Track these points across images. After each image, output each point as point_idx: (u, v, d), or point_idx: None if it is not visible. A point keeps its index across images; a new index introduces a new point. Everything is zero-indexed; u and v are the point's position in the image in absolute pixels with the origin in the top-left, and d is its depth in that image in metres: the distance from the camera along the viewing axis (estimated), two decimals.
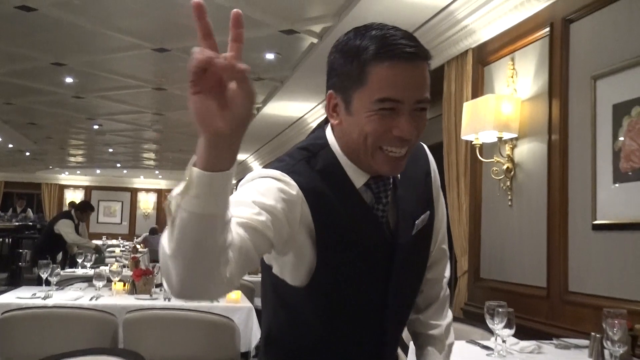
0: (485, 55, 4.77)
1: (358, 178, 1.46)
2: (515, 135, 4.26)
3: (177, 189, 1.07)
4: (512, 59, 4.40)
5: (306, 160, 1.45)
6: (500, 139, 4.27)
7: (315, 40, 6.18)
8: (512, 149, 4.33)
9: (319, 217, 1.39)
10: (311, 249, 1.40)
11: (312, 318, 1.49)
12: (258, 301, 6.76)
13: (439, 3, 4.87)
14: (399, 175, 1.51)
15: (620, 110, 3.35)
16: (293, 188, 1.36)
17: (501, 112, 4.19)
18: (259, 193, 1.30)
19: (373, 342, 1.53)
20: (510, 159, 4.31)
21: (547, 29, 4.01)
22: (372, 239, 1.47)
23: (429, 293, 1.74)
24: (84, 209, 9.80)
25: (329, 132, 1.50)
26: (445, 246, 1.75)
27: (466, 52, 4.95)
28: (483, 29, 4.69)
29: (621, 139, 3.32)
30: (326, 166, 1.45)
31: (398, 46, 1.33)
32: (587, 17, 3.72)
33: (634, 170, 3.22)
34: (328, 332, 1.49)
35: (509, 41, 4.46)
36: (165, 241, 1.10)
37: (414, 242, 1.54)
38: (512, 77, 4.38)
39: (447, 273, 1.78)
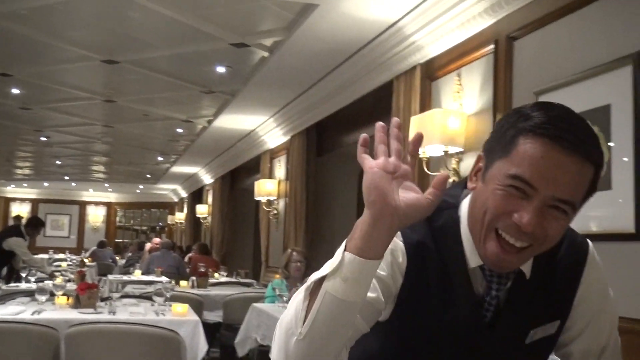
0: (432, 71, 4.85)
1: (472, 256, 1.28)
2: (461, 149, 4.33)
3: (322, 272, 1.08)
4: (459, 75, 4.49)
5: (428, 218, 1.26)
6: (446, 152, 4.34)
7: (266, 54, 6.20)
8: (458, 162, 4.40)
9: (409, 280, 1.28)
10: (388, 307, 1.29)
11: None
12: (206, 314, 6.77)
13: (388, 19, 4.93)
14: (529, 271, 1.31)
15: None
16: (399, 249, 1.27)
17: (447, 126, 4.25)
18: None
19: None
20: (456, 173, 4.38)
21: (492, 46, 4.11)
22: (459, 327, 1.29)
23: None
24: (36, 225, 9.56)
25: (465, 195, 1.34)
26: None
27: (414, 67, 5.02)
28: (431, 45, 4.77)
29: None
30: (443, 227, 1.30)
31: (563, 130, 1.14)
32: (530, 35, 3.81)
33: None
34: None
35: (455, 57, 4.55)
36: (292, 321, 1.11)
37: (524, 349, 1.34)
38: (458, 92, 4.47)
39: None
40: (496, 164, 1.20)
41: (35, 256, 9.26)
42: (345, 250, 1.07)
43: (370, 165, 1.06)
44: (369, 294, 1.17)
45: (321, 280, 1.07)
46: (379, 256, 1.06)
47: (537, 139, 1.14)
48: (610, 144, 3.10)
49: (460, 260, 1.29)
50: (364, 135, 1.09)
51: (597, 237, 3.11)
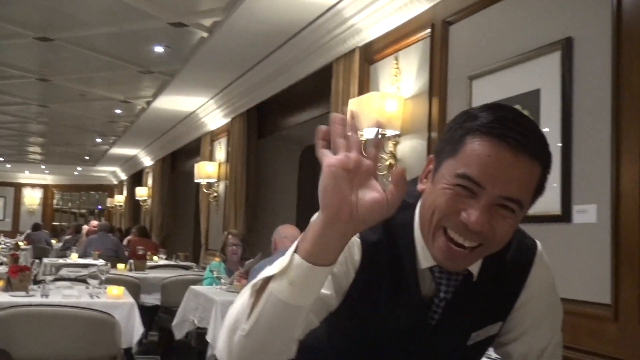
0: (371, 54, 4.88)
1: (424, 258, 1.27)
2: (398, 132, 4.38)
3: (271, 270, 1.05)
4: (397, 58, 4.53)
5: (398, 225, 1.29)
6: (383, 135, 4.38)
7: (205, 35, 6.13)
8: (395, 145, 4.45)
9: (361, 276, 1.27)
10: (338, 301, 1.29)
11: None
12: (144, 297, 6.70)
13: (327, 1, 4.93)
14: (476, 273, 1.30)
15: None
16: (356, 245, 1.27)
17: (384, 109, 4.29)
18: None
19: None
20: (393, 155, 4.43)
21: (429, 30, 4.15)
22: (404, 327, 1.30)
23: None
24: None
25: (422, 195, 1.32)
26: None
27: (353, 50, 5.04)
28: (369, 28, 4.79)
29: None
30: (399, 226, 1.29)
31: (509, 128, 1.14)
32: (465, 20, 3.87)
33: None
34: None
35: (393, 41, 4.58)
36: (237, 316, 1.10)
37: (462, 352, 1.37)
38: (395, 75, 4.51)
39: None
40: (444, 164, 1.20)
41: None
42: (295, 251, 1.03)
43: (329, 162, 0.96)
44: (323, 291, 1.17)
45: (269, 279, 1.05)
46: (330, 262, 1.02)
47: (484, 137, 1.15)
48: (543, 123, 3.17)
49: (412, 261, 1.28)
50: (322, 128, 0.99)
51: (527, 219, 3.21)
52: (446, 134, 1.23)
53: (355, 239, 1.26)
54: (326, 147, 0.98)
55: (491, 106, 1.21)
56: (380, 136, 4.43)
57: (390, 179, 0.99)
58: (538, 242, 1.41)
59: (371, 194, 0.97)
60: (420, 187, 1.28)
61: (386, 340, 1.32)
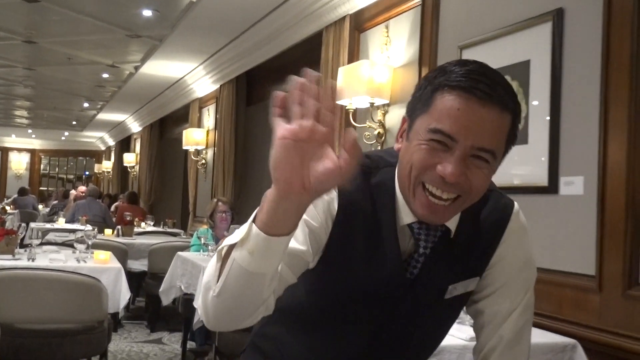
0: (361, 22, 4.84)
1: (405, 215, 1.30)
2: (387, 102, 4.36)
3: (234, 238, 1.07)
4: (387, 27, 4.50)
5: (367, 169, 1.32)
6: (372, 104, 4.37)
7: None
8: (384, 114, 4.44)
9: (338, 231, 1.29)
10: (316, 257, 1.31)
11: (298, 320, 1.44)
12: (131, 263, 6.71)
13: None
14: (454, 229, 1.33)
15: None
16: (334, 199, 1.29)
17: (374, 78, 4.27)
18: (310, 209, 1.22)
19: None
20: (382, 125, 4.42)
21: None
22: (382, 281, 1.33)
23: None
24: None
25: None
26: (508, 335, 1.41)
27: (344, 18, 5.00)
28: None
29: None
30: (380, 184, 1.32)
31: (476, 81, 1.17)
32: None
33: None
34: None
35: (384, 9, 4.55)
36: (210, 278, 1.14)
37: (442, 304, 1.39)
38: (386, 44, 4.48)
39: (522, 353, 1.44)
40: (417, 121, 1.22)
41: None
42: (254, 221, 1.04)
43: (281, 134, 0.93)
44: (299, 247, 1.22)
45: (232, 246, 1.08)
46: (286, 232, 1.03)
47: (452, 91, 1.17)
48: (531, 101, 3.17)
49: (391, 218, 1.31)
50: (278, 94, 0.95)
51: (515, 190, 3.23)
52: (417, 91, 1.26)
53: (333, 193, 1.28)
54: (282, 115, 0.95)
55: (459, 61, 1.24)
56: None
57: (344, 146, 0.96)
58: (515, 202, 1.43)
59: (325, 163, 0.95)
60: (396, 146, 1.31)
61: (365, 296, 1.34)
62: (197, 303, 1.15)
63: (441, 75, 1.20)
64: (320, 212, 1.27)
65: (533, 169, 3.13)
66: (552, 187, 3.02)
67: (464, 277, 1.36)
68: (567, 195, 2.96)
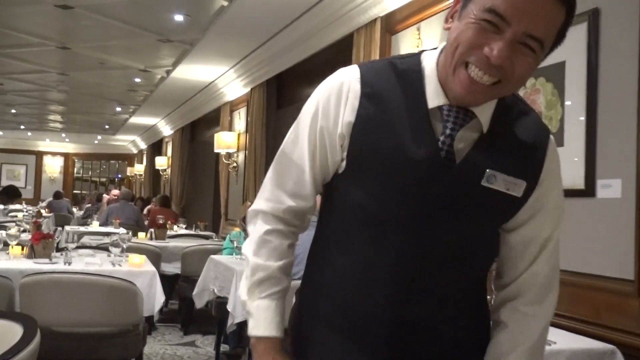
0: (392, 24, 4.83)
1: (434, 97, 1.30)
2: None
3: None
4: (418, 29, 4.48)
5: (391, 60, 1.36)
6: None
7: (225, 3, 6.08)
8: None
9: (366, 106, 1.31)
10: (340, 149, 1.34)
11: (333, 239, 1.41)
12: (164, 266, 6.77)
13: None
14: (487, 123, 1.32)
15: None
16: (354, 87, 1.32)
17: None
18: (316, 139, 1.36)
19: (399, 291, 1.33)
20: None
21: (451, 0, 4.09)
22: (420, 164, 1.28)
23: (512, 334, 1.41)
24: (12, 195, 9.56)
25: (425, 54, 1.37)
26: (545, 272, 1.41)
27: (375, 20, 4.99)
28: None
29: None
30: (406, 70, 1.33)
31: None
32: None
33: None
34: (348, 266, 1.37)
35: (415, 11, 4.53)
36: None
37: (481, 197, 1.31)
38: (418, 46, 4.46)
39: (544, 313, 1.42)
40: (472, 1, 1.21)
41: None
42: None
43: None
44: (320, 155, 1.36)
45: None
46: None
47: None
48: (567, 98, 3.14)
49: (421, 99, 1.30)
50: None
51: None
52: None
53: (356, 81, 1.33)
54: None
55: None
56: None
57: None
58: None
59: None
60: (445, 26, 1.31)
61: (399, 183, 1.29)
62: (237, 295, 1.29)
63: None
64: (334, 101, 1.33)
65: (569, 171, 3.09)
66: (589, 190, 2.98)
67: (504, 171, 1.31)
68: (604, 199, 2.92)
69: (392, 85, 1.32)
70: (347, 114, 1.32)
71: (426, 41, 4.38)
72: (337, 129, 1.33)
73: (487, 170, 1.29)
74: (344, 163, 1.33)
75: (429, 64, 1.33)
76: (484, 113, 1.31)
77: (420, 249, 1.30)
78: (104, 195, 13.35)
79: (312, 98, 1.40)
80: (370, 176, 1.31)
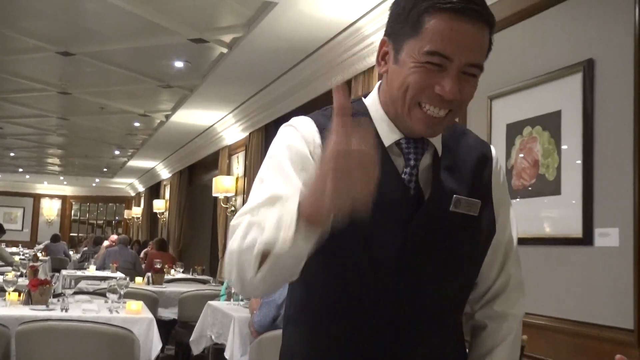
0: None
1: (389, 134, 1.36)
2: None
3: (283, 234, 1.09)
4: None
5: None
6: None
7: (225, 50, 6.17)
8: None
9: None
10: None
11: (322, 284, 1.38)
12: (161, 311, 6.72)
13: (347, 19, 4.95)
14: (440, 148, 1.39)
15: (513, 130, 3.50)
16: (311, 133, 1.35)
17: None
18: (291, 167, 1.30)
19: (388, 332, 1.34)
20: None
21: None
22: (389, 195, 1.30)
23: (492, 332, 1.47)
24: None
25: (365, 99, 1.44)
26: (516, 274, 1.50)
27: (372, 68, 5.05)
28: None
29: (513, 157, 3.47)
30: (356, 114, 1.27)
31: (466, 1, 1.24)
32: None
33: (525, 187, 3.37)
34: (336, 304, 1.37)
35: None
36: (252, 266, 1.13)
37: (451, 222, 1.36)
38: None
39: (518, 310, 1.49)
40: (407, 45, 1.28)
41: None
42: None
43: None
44: (296, 180, 1.26)
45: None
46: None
47: (443, 14, 1.24)
48: (563, 147, 3.17)
49: (377, 140, 1.33)
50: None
51: (548, 241, 3.21)
52: (400, 15, 1.31)
53: (311, 127, 1.36)
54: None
55: None
56: None
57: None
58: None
59: None
60: (380, 70, 1.37)
61: (375, 225, 1.28)
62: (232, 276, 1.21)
63: None
64: (302, 149, 1.33)
65: (567, 220, 3.11)
66: (586, 238, 2.98)
67: (465, 193, 1.37)
68: (602, 247, 2.92)
69: None
70: (316, 148, 1.33)
71: None
72: None
73: (455, 196, 1.36)
74: None
75: (373, 106, 1.40)
76: (436, 138, 1.39)
77: (405, 294, 1.33)
78: (105, 240, 13.31)
79: (277, 149, 1.38)
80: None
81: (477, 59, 1.28)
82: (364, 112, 1.39)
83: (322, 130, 1.33)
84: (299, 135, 1.36)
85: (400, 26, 1.30)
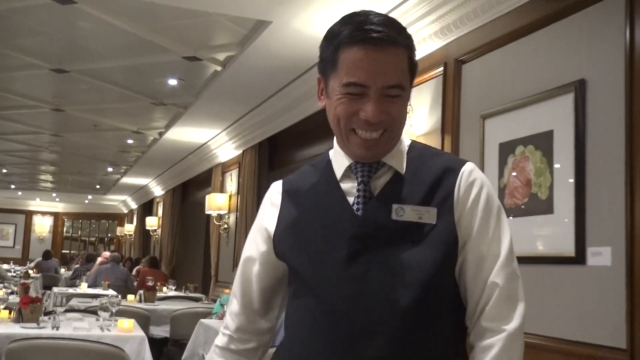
0: None
1: (341, 163, 1.49)
2: None
3: None
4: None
5: (313, 163, 1.59)
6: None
7: (219, 68, 6.19)
8: None
9: (287, 200, 1.53)
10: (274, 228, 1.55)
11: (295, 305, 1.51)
12: (153, 329, 6.69)
13: None
14: (402, 166, 1.45)
15: (506, 149, 3.52)
16: (277, 195, 1.57)
17: None
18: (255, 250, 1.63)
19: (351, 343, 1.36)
20: None
21: (442, 68, 4.18)
22: (337, 217, 1.44)
23: (478, 351, 1.40)
24: None
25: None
26: (505, 287, 1.42)
27: None
28: None
29: (506, 176, 3.49)
30: (320, 160, 1.57)
31: (366, 31, 1.35)
32: (478, 59, 3.90)
33: (517, 206, 3.38)
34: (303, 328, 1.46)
35: None
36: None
37: (395, 230, 1.40)
38: (408, 112, 4.52)
39: (510, 325, 1.41)
40: (331, 80, 1.42)
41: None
42: None
43: None
44: (261, 250, 1.59)
45: None
46: None
47: (351, 47, 1.36)
48: (556, 165, 3.18)
49: (331, 175, 1.50)
50: None
51: (541, 260, 3.21)
52: (323, 54, 1.44)
53: (278, 186, 1.59)
54: None
55: (346, 17, 1.41)
56: None
57: None
58: (472, 163, 1.51)
59: None
60: (320, 104, 1.50)
61: (323, 245, 1.43)
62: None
63: (336, 37, 1.39)
64: (263, 212, 1.60)
65: (559, 239, 3.11)
66: (579, 257, 2.99)
67: (412, 202, 1.41)
68: (594, 266, 2.93)
69: (307, 175, 1.55)
70: (274, 211, 1.56)
71: (416, 107, 4.45)
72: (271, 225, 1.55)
73: (393, 205, 1.41)
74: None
75: (336, 144, 1.52)
76: (394, 159, 1.47)
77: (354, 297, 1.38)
78: (98, 257, 13.26)
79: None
80: (295, 247, 1.48)
81: (393, 81, 1.36)
82: (325, 156, 1.56)
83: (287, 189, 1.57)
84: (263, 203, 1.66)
85: (325, 65, 1.43)
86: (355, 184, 1.46)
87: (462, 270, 1.44)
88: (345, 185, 1.47)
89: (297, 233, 1.48)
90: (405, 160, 1.47)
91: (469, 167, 1.48)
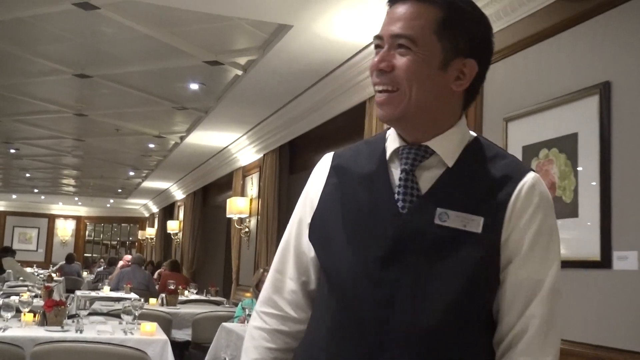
0: None
1: (391, 144, 1.41)
2: None
3: None
4: None
5: (368, 140, 1.55)
6: None
7: (240, 73, 6.21)
8: None
9: (333, 177, 1.46)
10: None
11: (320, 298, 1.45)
12: (175, 333, 6.72)
13: (360, 42, 4.98)
14: (451, 159, 1.35)
15: (529, 152, 3.49)
16: (324, 169, 1.51)
17: None
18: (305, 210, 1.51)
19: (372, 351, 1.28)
20: None
21: None
22: (377, 211, 1.35)
23: None
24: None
25: None
26: (543, 316, 1.30)
27: None
28: None
29: None
30: (375, 138, 1.51)
31: None
32: (501, 62, 3.87)
33: None
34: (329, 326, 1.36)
35: None
36: None
37: (435, 236, 1.30)
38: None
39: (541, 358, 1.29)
40: None
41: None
42: None
43: None
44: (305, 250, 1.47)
45: None
46: None
47: (387, 5, 1.39)
48: (580, 169, 3.15)
49: (382, 155, 1.42)
50: None
51: (565, 264, 3.17)
52: None
53: (327, 161, 1.52)
54: None
55: None
56: None
57: None
58: (536, 174, 1.37)
59: None
60: None
61: (359, 233, 1.36)
62: None
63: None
64: (311, 185, 1.54)
65: (584, 243, 3.08)
66: (605, 261, 2.95)
67: (458, 208, 1.30)
68: (620, 270, 2.89)
69: (358, 154, 1.47)
70: (319, 185, 1.49)
71: None
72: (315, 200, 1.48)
73: (438, 209, 1.31)
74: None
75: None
76: (443, 147, 1.36)
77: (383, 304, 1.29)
78: (120, 261, 13.36)
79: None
80: (330, 235, 1.40)
81: (400, 30, 1.33)
82: (382, 135, 1.47)
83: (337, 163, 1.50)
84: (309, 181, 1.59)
85: None
86: (399, 167, 1.37)
87: (500, 292, 1.33)
88: (394, 171, 1.38)
89: (334, 218, 1.39)
90: (459, 152, 1.36)
91: (531, 178, 1.34)
